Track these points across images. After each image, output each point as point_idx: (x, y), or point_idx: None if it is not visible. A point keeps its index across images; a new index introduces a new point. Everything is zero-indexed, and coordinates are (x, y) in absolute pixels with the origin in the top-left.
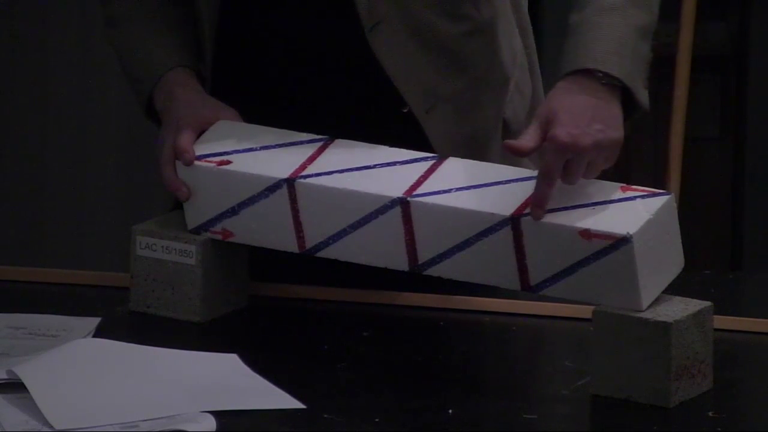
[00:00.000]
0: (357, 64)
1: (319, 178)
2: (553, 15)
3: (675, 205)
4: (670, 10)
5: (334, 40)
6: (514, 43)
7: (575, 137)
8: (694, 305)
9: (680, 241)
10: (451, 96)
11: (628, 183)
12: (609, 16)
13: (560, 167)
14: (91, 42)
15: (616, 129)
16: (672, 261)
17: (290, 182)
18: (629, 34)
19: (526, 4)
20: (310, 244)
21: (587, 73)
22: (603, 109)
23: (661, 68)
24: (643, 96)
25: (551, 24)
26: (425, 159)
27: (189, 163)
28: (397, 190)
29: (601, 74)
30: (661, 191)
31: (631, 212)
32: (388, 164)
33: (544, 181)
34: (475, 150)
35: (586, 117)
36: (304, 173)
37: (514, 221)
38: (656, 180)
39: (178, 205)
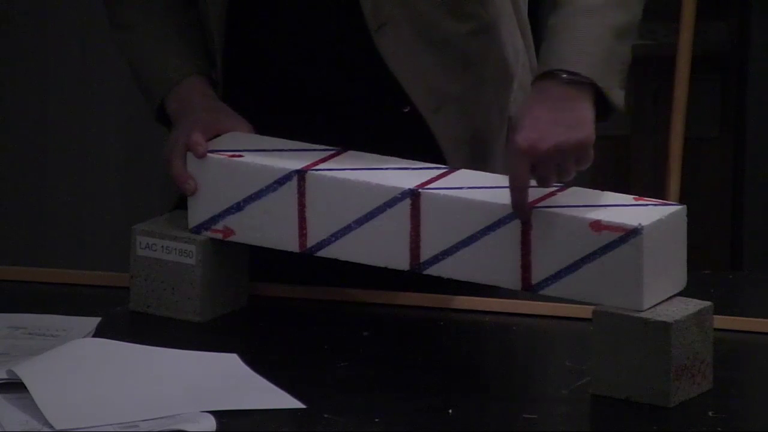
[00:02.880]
0: (363, 66)
1: (331, 171)
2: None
3: (685, 218)
4: (670, 10)
5: (340, 43)
6: (517, 42)
7: (534, 141)
8: (694, 305)
9: (685, 258)
10: (457, 95)
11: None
12: (583, 17)
13: (525, 172)
14: (91, 42)
15: (580, 130)
16: (675, 275)
17: (301, 174)
18: (604, 35)
19: (526, 5)
20: (311, 242)
21: (551, 75)
22: (567, 110)
23: (661, 68)
24: (617, 96)
25: None
26: (437, 168)
27: (201, 156)
28: (408, 184)
29: (565, 74)
30: (674, 203)
31: (643, 212)
32: (400, 168)
33: (513, 188)
34: (480, 148)
35: (548, 120)
36: (315, 168)
37: None
38: (656, 180)
39: (178, 205)
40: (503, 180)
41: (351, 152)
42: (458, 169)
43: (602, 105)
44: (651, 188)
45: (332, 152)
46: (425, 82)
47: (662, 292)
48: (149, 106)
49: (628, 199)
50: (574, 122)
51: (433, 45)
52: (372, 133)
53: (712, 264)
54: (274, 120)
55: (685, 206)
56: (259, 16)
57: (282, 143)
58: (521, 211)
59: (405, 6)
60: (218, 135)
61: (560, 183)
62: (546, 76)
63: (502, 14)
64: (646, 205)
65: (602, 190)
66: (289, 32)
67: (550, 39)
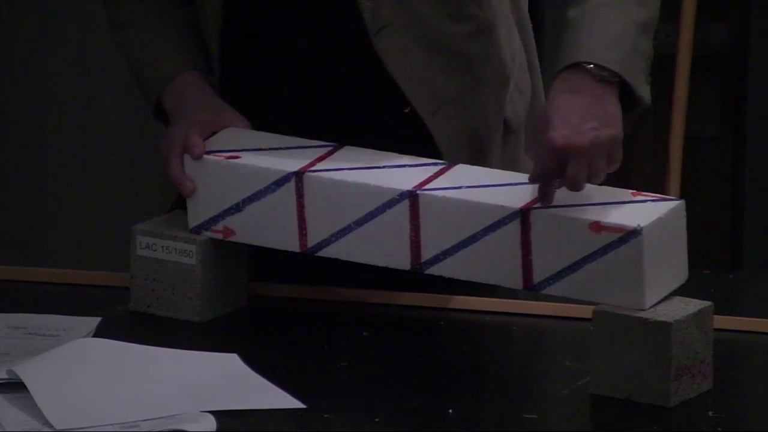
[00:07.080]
0: (362, 68)
1: (329, 172)
2: (552, 12)
3: (684, 213)
4: (670, 10)
5: (340, 45)
6: (513, 42)
7: (569, 138)
8: (694, 305)
9: (686, 252)
10: (455, 97)
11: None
12: (607, 11)
13: (556, 169)
14: (91, 42)
15: (612, 126)
16: (676, 269)
17: (299, 175)
18: (628, 29)
19: (526, 3)
20: (312, 242)
21: (580, 68)
22: (596, 106)
23: (661, 68)
24: (644, 91)
25: (550, 21)
26: (435, 164)
27: (198, 157)
28: (406, 185)
29: (593, 68)
30: (673, 198)
31: (642, 210)
32: (398, 166)
33: (542, 183)
34: (478, 150)
35: (579, 116)
36: (313, 168)
37: (523, 214)
38: (656, 180)
39: (177, 205)
40: (502, 176)
41: (348, 148)
42: (456, 164)
43: (627, 100)
44: (651, 188)
45: (329, 149)
46: (424, 84)
47: (664, 288)
48: (147, 103)
49: (626, 194)
50: (605, 119)
51: (432, 47)
52: (371, 134)
53: (712, 264)
54: (272, 122)
55: (683, 201)
56: (257, 18)
57: (278, 140)
58: (547, 200)
59: (404, 9)
60: (216, 132)
61: (592, 184)
62: (573, 68)
63: (499, 15)
64: (645, 201)
65: None
66: (287, 34)
67: (575, 30)
